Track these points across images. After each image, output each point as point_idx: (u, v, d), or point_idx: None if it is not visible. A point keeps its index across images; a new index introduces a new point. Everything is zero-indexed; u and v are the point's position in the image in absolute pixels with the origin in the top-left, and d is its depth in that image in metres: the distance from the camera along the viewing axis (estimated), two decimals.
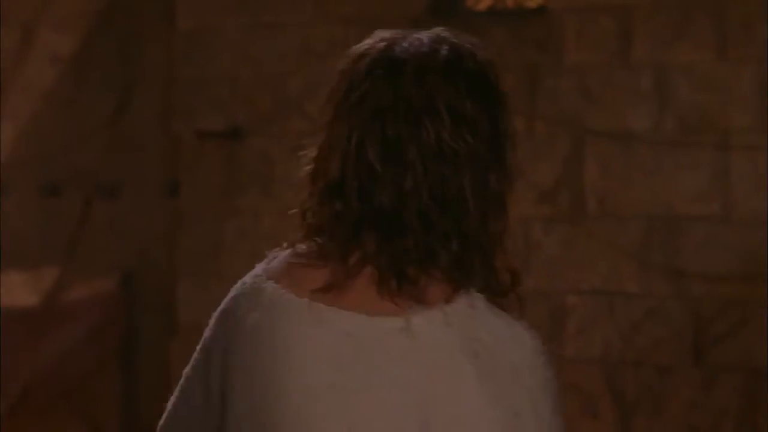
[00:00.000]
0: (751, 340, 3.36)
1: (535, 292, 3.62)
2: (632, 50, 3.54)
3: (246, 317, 1.26)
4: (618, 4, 3.52)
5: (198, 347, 1.33)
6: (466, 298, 1.22)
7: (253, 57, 3.98)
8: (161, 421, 1.34)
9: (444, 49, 1.25)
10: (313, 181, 1.27)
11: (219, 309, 1.32)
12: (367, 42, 1.27)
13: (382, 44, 1.26)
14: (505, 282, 1.25)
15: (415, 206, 1.21)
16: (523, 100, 3.64)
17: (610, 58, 3.55)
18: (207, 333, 1.32)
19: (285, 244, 1.31)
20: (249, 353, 1.24)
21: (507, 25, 3.66)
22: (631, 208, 3.52)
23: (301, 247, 1.28)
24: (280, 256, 1.31)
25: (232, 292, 1.31)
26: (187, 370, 1.34)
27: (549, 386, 1.21)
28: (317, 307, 1.23)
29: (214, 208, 4.04)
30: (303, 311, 1.23)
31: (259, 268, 1.31)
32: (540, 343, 1.23)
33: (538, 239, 3.61)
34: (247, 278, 1.30)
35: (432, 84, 1.22)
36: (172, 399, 1.34)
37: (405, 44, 1.25)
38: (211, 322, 1.32)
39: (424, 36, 1.26)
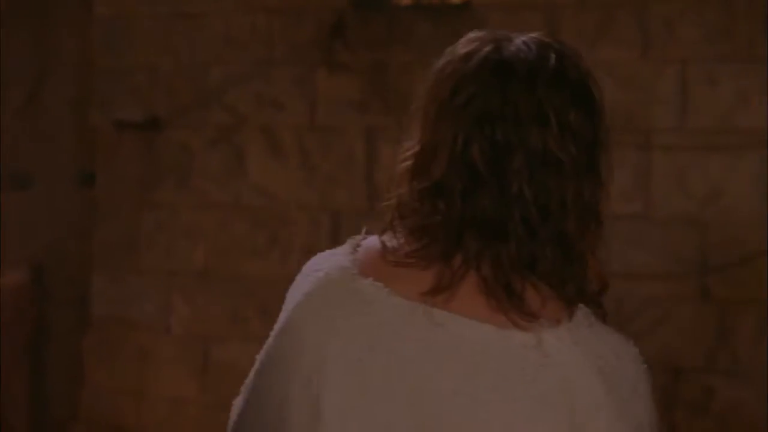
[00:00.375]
0: (670, 338, 3.42)
1: None
2: None
3: (349, 317, 1.24)
4: (542, 1, 3.56)
5: (273, 336, 1.29)
6: (584, 315, 1.25)
7: (173, 46, 3.95)
8: (236, 406, 1.31)
9: (552, 57, 1.26)
10: (413, 179, 1.27)
11: (299, 300, 1.28)
12: (470, 43, 1.28)
13: (490, 46, 1.27)
14: (594, 291, 1.28)
15: (519, 213, 1.22)
16: None
17: None
18: (287, 321, 1.28)
19: (364, 232, 1.31)
20: (355, 354, 1.23)
21: (431, 19, 3.68)
22: None
23: (391, 242, 1.28)
24: (365, 245, 1.30)
25: (312, 284, 1.28)
26: (263, 357, 1.30)
27: (651, 395, 1.26)
28: (431, 311, 1.22)
29: (131, 200, 4.00)
30: (417, 315, 1.22)
31: (341, 257, 1.29)
32: (639, 352, 1.28)
33: None
34: (328, 268, 1.28)
35: (542, 91, 1.24)
36: (248, 385, 1.31)
37: (512, 48, 1.27)
38: (290, 311, 1.28)
39: (528, 40, 1.28)
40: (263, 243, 3.86)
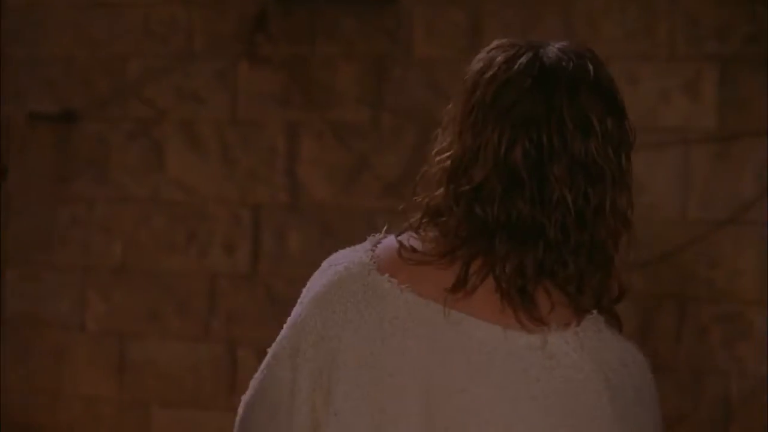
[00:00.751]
0: None
1: None
2: (481, 44, 3.62)
3: (363, 311, 1.27)
4: None
5: (287, 328, 1.32)
6: (592, 321, 1.29)
7: (89, 37, 3.92)
8: (246, 398, 1.33)
9: (589, 65, 1.32)
10: (450, 181, 1.30)
11: (316, 292, 1.31)
12: (507, 48, 1.33)
13: (529, 53, 1.31)
14: (611, 298, 1.32)
15: (557, 218, 1.26)
16: (371, 91, 3.70)
17: (460, 51, 3.64)
18: (302, 313, 1.31)
19: (384, 231, 1.34)
20: (367, 348, 1.25)
21: (356, 14, 3.71)
22: None
23: (409, 242, 1.31)
24: (385, 243, 1.33)
25: (332, 277, 1.31)
26: (275, 349, 1.32)
27: (658, 404, 1.31)
28: (444, 309, 1.26)
29: (45, 195, 3.96)
30: (430, 313, 1.26)
31: (361, 253, 1.32)
32: (647, 361, 1.32)
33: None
34: (348, 262, 1.31)
35: (584, 99, 1.29)
36: (258, 378, 1.32)
37: (551, 55, 1.31)
38: (305, 304, 1.31)
39: (563, 48, 1.33)
40: (182, 238, 3.86)
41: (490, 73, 1.31)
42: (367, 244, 1.33)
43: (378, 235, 1.34)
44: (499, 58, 1.32)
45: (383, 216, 3.69)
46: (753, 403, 3.47)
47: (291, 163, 3.78)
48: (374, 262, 1.30)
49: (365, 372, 1.25)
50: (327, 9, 3.72)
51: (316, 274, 1.35)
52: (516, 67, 1.31)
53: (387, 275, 1.28)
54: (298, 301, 1.34)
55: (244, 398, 1.35)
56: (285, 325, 1.34)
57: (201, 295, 3.84)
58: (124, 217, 3.89)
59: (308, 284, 1.35)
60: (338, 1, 3.72)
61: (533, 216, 1.27)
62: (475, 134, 1.30)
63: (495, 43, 1.35)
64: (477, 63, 1.34)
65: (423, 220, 1.32)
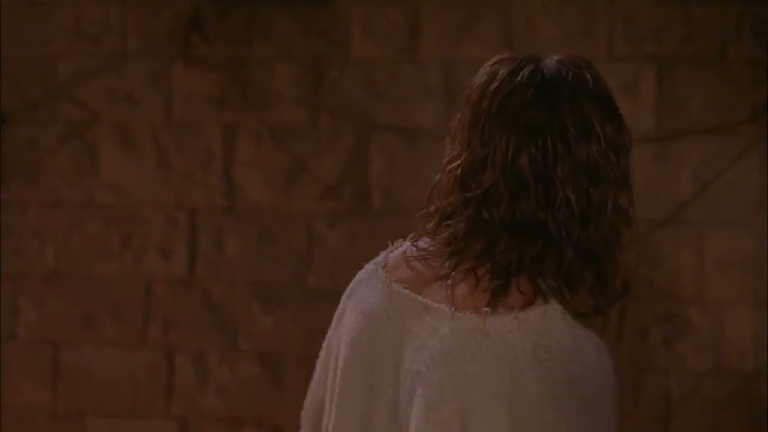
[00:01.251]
0: None
1: (318, 289, 3.71)
2: (420, 45, 3.69)
3: (363, 300, 1.51)
4: None
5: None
6: (543, 307, 1.40)
7: (19, 38, 3.90)
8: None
9: (587, 74, 1.46)
10: (461, 188, 1.46)
11: (349, 287, 1.56)
12: (508, 62, 1.47)
13: (531, 66, 1.46)
14: (614, 293, 1.44)
15: (561, 217, 1.40)
16: (308, 92, 3.73)
17: (398, 52, 3.69)
18: (338, 308, 1.57)
19: (411, 235, 1.54)
20: (351, 335, 1.49)
21: (292, 14, 3.73)
22: (416, 204, 3.66)
23: (426, 241, 1.50)
24: (402, 246, 1.54)
25: (358, 275, 1.56)
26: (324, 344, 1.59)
27: (604, 398, 1.38)
28: (420, 300, 1.45)
29: None
30: (407, 302, 1.46)
31: (383, 254, 1.55)
32: (606, 357, 1.41)
33: (322, 234, 3.71)
34: (372, 263, 1.55)
35: (584, 105, 1.43)
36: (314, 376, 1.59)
37: (551, 67, 1.46)
38: (342, 298, 1.56)
39: (562, 59, 1.47)
40: (117, 243, 3.86)
41: (495, 85, 1.46)
42: (391, 247, 1.56)
43: (405, 241, 1.54)
44: (502, 71, 1.46)
45: (323, 218, 3.72)
46: (693, 401, 3.56)
47: (228, 166, 3.80)
48: (384, 261, 1.53)
49: (353, 354, 1.48)
50: (263, 9, 3.74)
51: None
52: (519, 78, 1.45)
53: (384, 270, 1.50)
54: None
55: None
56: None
57: (137, 301, 3.85)
58: (56, 222, 3.88)
59: None
60: (274, 2, 3.74)
61: (536, 215, 1.41)
62: (483, 143, 1.45)
63: (497, 57, 1.50)
64: (481, 77, 1.49)
65: (438, 225, 1.49)
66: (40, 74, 3.89)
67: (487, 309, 1.41)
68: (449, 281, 1.44)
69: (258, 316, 3.73)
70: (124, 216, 3.85)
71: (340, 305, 1.58)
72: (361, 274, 1.55)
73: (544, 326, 1.40)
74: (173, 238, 3.82)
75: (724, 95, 3.53)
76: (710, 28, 3.53)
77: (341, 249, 3.71)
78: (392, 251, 1.54)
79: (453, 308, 1.43)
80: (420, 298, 1.46)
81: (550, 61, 1.47)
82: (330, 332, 1.57)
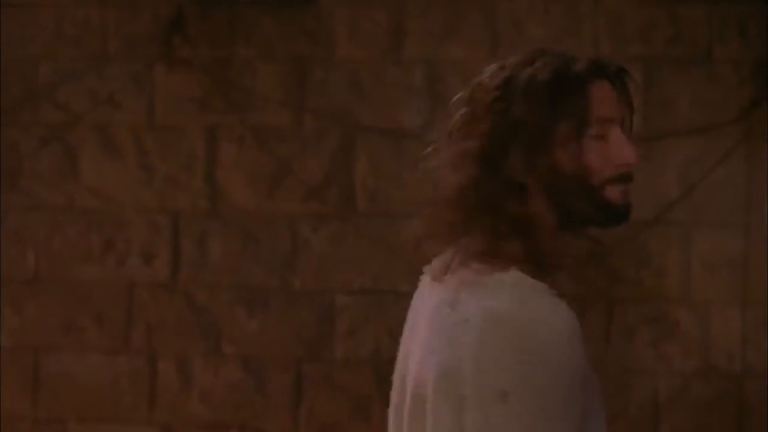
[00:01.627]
0: None
1: (303, 291, 3.73)
2: (404, 46, 3.70)
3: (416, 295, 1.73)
4: None
5: None
6: (500, 278, 1.53)
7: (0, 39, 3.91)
8: None
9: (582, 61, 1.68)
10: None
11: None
12: (517, 66, 1.63)
13: (559, 60, 1.65)
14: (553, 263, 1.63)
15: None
16: (292, 93, 3.74)
17: (382, 53, 3.71)
18: None
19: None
20: (409, 320, 1.71)
21: (275, 15, 3.75)
22: (401, 206, 3.68)
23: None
24: None
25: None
26: None
27: (488, 351, 1.47)
28: (430, 284, 1.63)
29: None
30: (423, 286, 1.68)
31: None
32: (558, 320, 1.49)
33: (307, 237, 3.72)
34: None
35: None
36: None
37: (548, 62, 1.64)
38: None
39: (556, 54, 1.65)
40: (98, 247, 3.86)
41: (502, 90, 1.63)
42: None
43: None
44: (513, 76, 1.62)
45: (307, 221, 3.74)
46: (681, 402, 3.59)
47: (211, 169, 3.81)
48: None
49: (400, 348, 1.69)
50: (246, 10, 3.75)
51: None
52: (524, 81, 1.64)
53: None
54: None
55: None
56: None
57: (119, 305, 3.85)
58: (37, 225, 3.88)
59: None
60: (257, 2, 3.75)
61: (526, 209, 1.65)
62: (491, 144, 1.65)
63: (523, 54, 1.66)
64: (502, 71, 1.64)
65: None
66: (20, 76, 3.89)
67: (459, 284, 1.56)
68: (450, 264, 1.61)
69: (242, 319, 3.74)
70: (105, 220, 3.86)
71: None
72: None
73: (478, 285, 1.53)
74: (156, 241, 3.82)
75: (710, 95, 3.56)
76: (696, 28, 3.56)
77: (326, 251, 3.72)
78: None
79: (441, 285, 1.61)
80: (434, 282, 1.63)
81: (545, 59, 1.69)
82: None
